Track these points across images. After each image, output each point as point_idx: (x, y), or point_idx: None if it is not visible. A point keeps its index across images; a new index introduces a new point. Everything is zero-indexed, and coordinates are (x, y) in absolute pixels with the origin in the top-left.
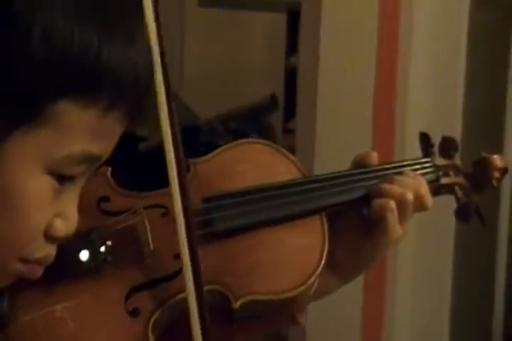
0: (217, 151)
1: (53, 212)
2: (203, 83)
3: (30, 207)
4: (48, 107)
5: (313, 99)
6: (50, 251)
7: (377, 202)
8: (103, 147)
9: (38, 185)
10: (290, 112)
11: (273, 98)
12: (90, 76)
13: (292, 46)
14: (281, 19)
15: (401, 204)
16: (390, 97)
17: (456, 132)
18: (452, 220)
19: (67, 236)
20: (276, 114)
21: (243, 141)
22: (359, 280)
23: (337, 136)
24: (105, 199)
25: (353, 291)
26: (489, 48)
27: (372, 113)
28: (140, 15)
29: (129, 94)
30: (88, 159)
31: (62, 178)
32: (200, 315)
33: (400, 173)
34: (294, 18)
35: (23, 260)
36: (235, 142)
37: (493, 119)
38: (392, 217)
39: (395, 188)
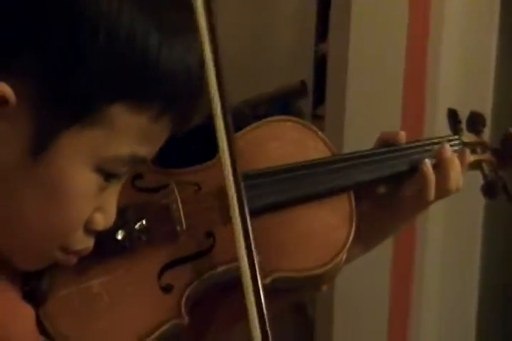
0: (246, 129)
1: (95, 206)
2: (231, 68)
3: (76, 200)
4: (103, 109)
5: (343, 85)
6: (89, 243)
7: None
8: (149, 150)
9: (85, 180)
10: (319, 98)
11: (303, 84)
12: (148, 81)
13: (322, 33)
14: (311, 5)
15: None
16: (420, 83)
17: (487, 108)
18: (481, 195)
19: (104, 229)
20: (306, 99)
21: (273, 118)
22: (387, 252)
23: (366, 122)
24: (139, 176)
25: (380, 264)
26: None
27: (402, 99)
28: (195, 24)
29: (181, 102)
30: (134, 160)
31: (108, 176)
32: (255, 287)
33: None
34: (324, 5)
35: (64, 249)
36: (265, 120)
37: None
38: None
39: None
